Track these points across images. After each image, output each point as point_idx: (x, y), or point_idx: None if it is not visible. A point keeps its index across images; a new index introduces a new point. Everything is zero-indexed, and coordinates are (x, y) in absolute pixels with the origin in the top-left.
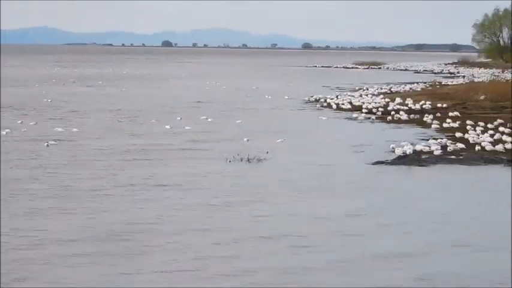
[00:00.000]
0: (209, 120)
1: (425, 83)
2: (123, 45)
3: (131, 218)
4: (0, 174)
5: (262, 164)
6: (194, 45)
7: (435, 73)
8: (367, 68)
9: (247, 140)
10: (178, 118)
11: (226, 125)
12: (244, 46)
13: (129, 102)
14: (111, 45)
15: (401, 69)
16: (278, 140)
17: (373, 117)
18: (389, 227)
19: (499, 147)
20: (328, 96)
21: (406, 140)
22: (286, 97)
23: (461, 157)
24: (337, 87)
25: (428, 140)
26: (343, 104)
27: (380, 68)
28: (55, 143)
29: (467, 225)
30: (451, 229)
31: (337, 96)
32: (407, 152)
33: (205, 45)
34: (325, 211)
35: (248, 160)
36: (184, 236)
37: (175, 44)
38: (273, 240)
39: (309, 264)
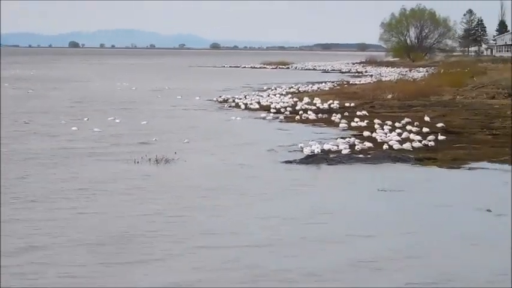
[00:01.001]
0: (117, 121)
1: (333, 82)
2: (29, 46)
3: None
4: None
5: (170, 164)
6: (102, 45)
7: (343, 72)
8: (275, 68)
9: (155, 140)
10: (86, 119)
11: (134, 126)
12: (152, 46)
13: (36, 103)
14: (17, 46)
15: (309, 69)
16: (185, 141)
17: (282, 116)
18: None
19: (407, 145)
20: (237, 96)
21: (315, 139)
22: (198, 98)
23: (369, 156)
24: (246, 87)
25: (336, 139)
26: (251, 104)
27: (288, 67)
28: None
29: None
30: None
31: (245, 96)
32: (316, 151)
33: (112, 46)
34: (228, 210)
35: (156, 161)
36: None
37: (83, 45)
38: (184, 243)
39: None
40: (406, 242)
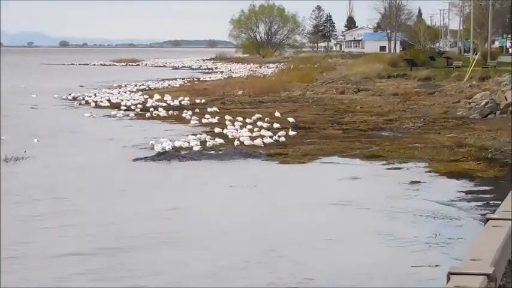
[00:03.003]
0: None
1: (183, 79)
2: None
3: None
4: None
5: (20, 163)
6: None
7: (193, 69)
8: (125, 65)
9: (3, 139)
10: None
11: None
12: None
13: None
14: None
15: (159, 66)
16: (35, 140)
17: (132, 114)
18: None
19: (258, 141)
20: (86, 94)
21: (166, 136)
22: (35, 95)
23: (220, 152)
24: (96, 85)
25: (187, 136)
26: (101, 102)
27: (138, 65)
28: None
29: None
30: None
31: (95, 94)
32: (167, 148)
33: None
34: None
35: (5, 160)
36: None
37: None
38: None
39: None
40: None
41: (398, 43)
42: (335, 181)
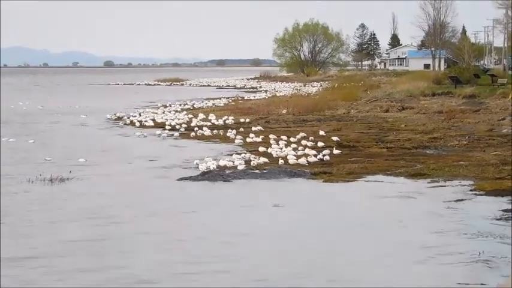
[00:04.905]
0: (11, 140)
1: (228, 98)
2: None
3: None
4: None
5: (65, 184)
6: None
7: (237, 88)
8: (170, 85)
9: (49, 159)
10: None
11: (33, 145)
12: (46, 65)
13: None
14: None
15: (204, 85)
16: (80, 160)
17: (177, 133)
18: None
19: (302, 160)
20: (131, 114)
21: (210, 155)
22: (85, 116)
23: (264, 171)
24: (140, 104)
25: (232, 155)
26: (146, 121)
27: (183, 84)
28: None
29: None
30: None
31: (140, 114)
32: (211, 168)
33: (5, 65)
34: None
35: (51, 180)
36: None
37: None
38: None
39: None
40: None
41: (442, 61)
42: (380, 199)
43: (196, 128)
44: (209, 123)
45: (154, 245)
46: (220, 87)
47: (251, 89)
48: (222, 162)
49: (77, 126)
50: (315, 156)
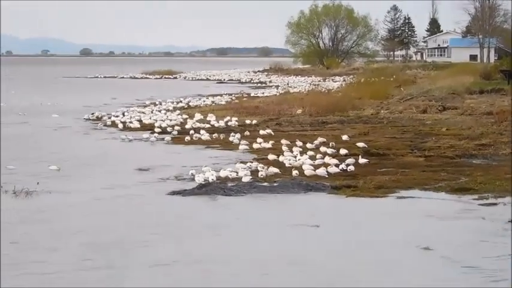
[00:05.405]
0: None
1: (230, 95)
2: None
3: None
4: None
5: (32, 197)
6: None
7: (242, 83)
8: (160, 78)
9: (12, 168)
10: None
11: None
12: (9, 53)
13: None
14: None
15: (201, 79)
16: (51, 167)
17: (168, 137)
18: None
19: (321, 171)
20: (113, 113)
21: (209, 164)
22: (56, 115)
23: (275, 184)
24: (124, 102)
25: (235, 164)
26: (131, 123)
27: (176, 77)
28: None
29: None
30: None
31: (123, 113)
32: (210, 179)
33: None
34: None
35: (14, 193)
36: None
37: None
38: None
39: None
40: None
41: (492, 51)
42: (416, 219)
43: (192, 131)
44: (208, 126)
45: None
46: (221, 82)
47: (259, 84)
48: (223, 173)
49: (47, 128)
50: (337, 166)
